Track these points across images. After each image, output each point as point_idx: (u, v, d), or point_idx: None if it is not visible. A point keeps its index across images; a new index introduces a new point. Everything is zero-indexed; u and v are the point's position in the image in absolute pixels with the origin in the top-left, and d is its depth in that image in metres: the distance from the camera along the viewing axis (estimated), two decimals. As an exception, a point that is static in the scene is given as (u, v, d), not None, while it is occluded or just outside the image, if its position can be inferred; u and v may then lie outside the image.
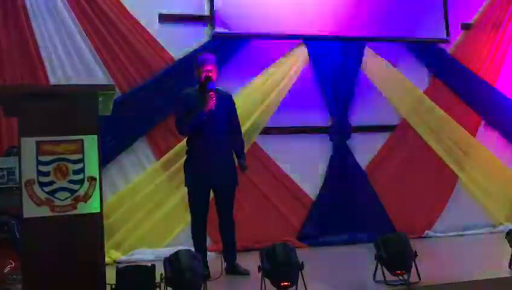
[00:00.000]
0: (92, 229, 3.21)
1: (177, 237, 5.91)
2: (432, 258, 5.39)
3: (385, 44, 7.04)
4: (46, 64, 5.87)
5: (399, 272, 3.74)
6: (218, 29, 6.40)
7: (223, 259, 4.56)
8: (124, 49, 6.10)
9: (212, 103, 4.48)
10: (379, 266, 3.82)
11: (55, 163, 3.18)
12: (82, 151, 3.22)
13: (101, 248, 3.25)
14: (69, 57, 5.96)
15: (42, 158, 3.16)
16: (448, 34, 7.28)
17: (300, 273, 3.56)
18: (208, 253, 4.80)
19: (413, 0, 7.16)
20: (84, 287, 3.12)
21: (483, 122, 7.36)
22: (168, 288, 3.36)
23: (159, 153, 6.15)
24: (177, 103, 4.72)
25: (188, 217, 4.84)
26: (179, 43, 6.30)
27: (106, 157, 5.67)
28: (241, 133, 4.90)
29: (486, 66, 7.42)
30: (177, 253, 3.47)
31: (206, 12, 6.47)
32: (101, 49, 6.04)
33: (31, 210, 3.11)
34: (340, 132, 6.78)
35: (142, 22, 6.21)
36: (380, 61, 7.00)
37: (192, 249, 4.28)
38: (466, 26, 7.45)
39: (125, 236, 5.84)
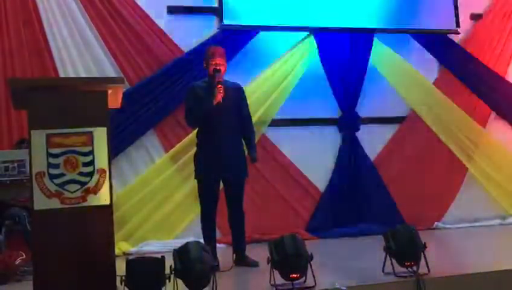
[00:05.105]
0: (102, 221, 3.23)
1: (187, 229, 5.92)
2: (441, 249, 5.38)
3: (394, 35, 7.01)
4: (56, 57, 5.89)
5: (408, 263, 3.73)
6: (227, 21, 6.39)
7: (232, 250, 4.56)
8: (132, 41, 6.11)
9: (220, 95, 4.48)
10: (388, 257, 3.81)
11: (65, 155, 3.19)
12: (92, 144, 3.23)
13: (110, 240, 3.27)
14: (78, 50, 5.97)
15: (52, 150, 3.17)
16: (458, 24, 7.23)
17: (309, 265, 3.57)
18: (218, 245, 4.81)
19: (423, -9, 7.12)
20: (94, 279, 3.14)
21: (493, 114, 7.32)
22: (178, 280, 3.38)
23: (168, 145, 6.17)
24: (186, 95, 4.73)
25: (197, 209, 4.84)
26: (187, 35, 6.30)
27: (115, 150, 5.68)
28: (251, 123, 4.89)
29: (497, 57, 7.38)
30: (186, 245, 3.47)
31: (214, 4, 6.46)
32: (109, 42, 6.05)
33: (41, 202, 3.14)
34: (349, 124, 6.77)
35: (151, 14, 6.22)
36: (389, 53, 6.97)
37: (202, 240, 4.29)
38: (476, 17, 7.39)
39: (135, 228, 5.87)
